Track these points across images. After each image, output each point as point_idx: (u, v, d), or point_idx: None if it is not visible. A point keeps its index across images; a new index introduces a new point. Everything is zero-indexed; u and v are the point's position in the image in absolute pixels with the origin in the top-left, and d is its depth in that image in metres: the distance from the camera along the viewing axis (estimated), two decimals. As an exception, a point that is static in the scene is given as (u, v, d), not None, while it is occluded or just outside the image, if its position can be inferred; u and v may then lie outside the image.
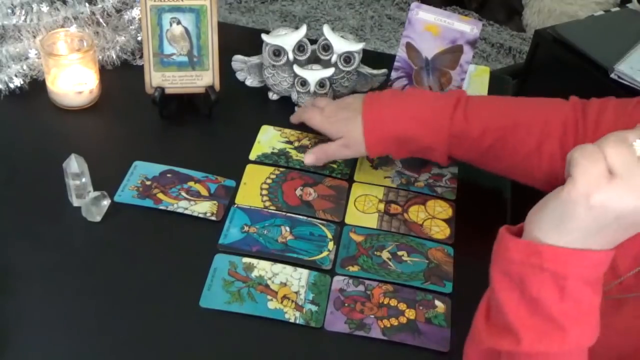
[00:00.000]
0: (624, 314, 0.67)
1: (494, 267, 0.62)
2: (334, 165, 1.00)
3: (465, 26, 1.01)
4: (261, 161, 0.99)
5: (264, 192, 0.95)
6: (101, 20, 1.13)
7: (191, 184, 0.95)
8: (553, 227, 0.57)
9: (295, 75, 1.05)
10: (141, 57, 1.12)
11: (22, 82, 1.06)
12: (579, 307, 0.59)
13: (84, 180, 0.88)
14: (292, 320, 0.80)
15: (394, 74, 1.07)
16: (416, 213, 0.95)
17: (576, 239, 0.56)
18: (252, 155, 1.00)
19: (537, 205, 0.59)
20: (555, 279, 0.57)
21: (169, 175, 0.96)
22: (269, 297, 0.82)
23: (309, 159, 0.97)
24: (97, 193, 0.88)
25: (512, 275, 0.60)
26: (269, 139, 1.03)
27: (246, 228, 0.90)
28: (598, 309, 0.60)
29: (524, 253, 0.59)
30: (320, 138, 1.01)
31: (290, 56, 1.04)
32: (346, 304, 0.82)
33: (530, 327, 0.59)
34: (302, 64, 1.05)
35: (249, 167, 0.98)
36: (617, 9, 1.99)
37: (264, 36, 1.04)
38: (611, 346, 0.65)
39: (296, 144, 1.03)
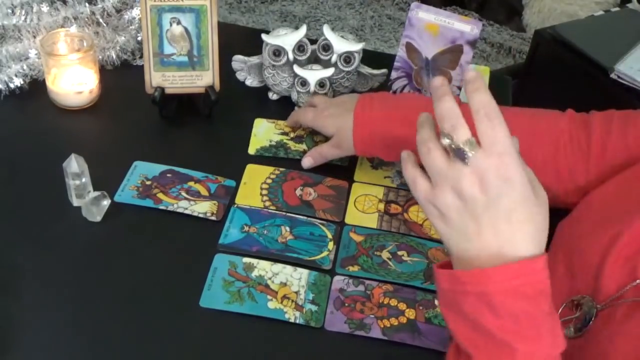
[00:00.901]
0: None
1: (439, 301, 0.64)
2: None
3: (465, 26, 1.01)
4: (261, 154, 1.01)
5: (264, 192, 0.95)
6: (101, 20, 1.13)
7: (191, 184, 0.95)
8: (446, 240, 0.61)
9: (295, 75, 1.05)
10: (141, 57, 1.12)
11: (22, 82, 1.06)
12: (519, 322, 0.58)
13: (84, 180, 0.88)
14: (292, 320, 0.80)
15: (394, 74, 1.07)
16: (416, 213, 0.95)
17: (471, 247, 0.59)
18: (251, 149, 1.01)
19: None
20: (480, 298, 0.58)
21: (169, 175, 0.96)
22: (269, 297, 0.82)
23: (306, 162, 0.98)
24: (97, 193, 0.88)
25: (450, 304, 0.61)
26: (264, 131, 1.04)
27: (246, 228, 0.90)
28: (548, 320, 0.59)
29: (448, 282, 0.61)
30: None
31: (290, 56, 1.04)
32: (346, 304, 0.82)
33: (482, 348, 0.60)
34: (302, 64, 1.05)
35: (249, 167, 0.98)
36: (617, 9, 1.99)
37: (264, 36, 1.04)
38: (628, 353, 0.64)
39: (292, 134, 1.04)
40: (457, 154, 0.56)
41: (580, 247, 0.75)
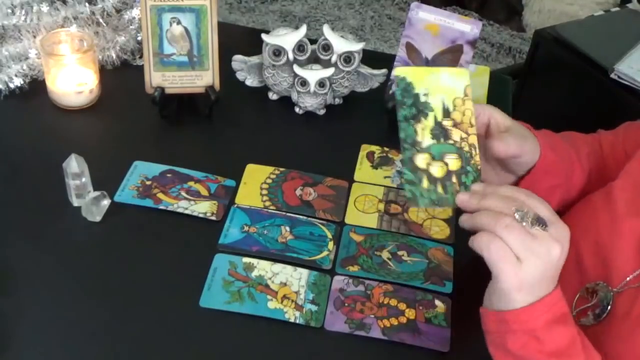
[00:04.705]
0: None
1: (488, 344, 0.70)
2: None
3: (465, 26, 1.01)
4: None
5: (264, 192, 0.95)
6: (101, 20, 1.13)
7: (191, 183, 0.95)
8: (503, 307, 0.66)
9: (295, 75, 1.05)
10: (141, 57, 1.12)
11: (22, 82, 1.06)
12: (561, 346, 0.65)
13: (84, 180, 0.88)
14: (292, 320, 0.80)
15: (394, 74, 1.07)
16: (416, 213, 0.95)
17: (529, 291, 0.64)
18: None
19: (487, 292, 0.68)
20: (527, 334, 0.65)
21: (169, 175, 0.96)
22: (268, 297, 0.82)
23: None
24: (97, 193, 0.88)
25: (498, 344, 0.68)
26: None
27: (246, 228, 0.90)
28: (576, 337, 0.66)
29: (495, 323, 0.67)
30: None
31: (290, 56, 1.04)
32: (346, 304, 0.82)
33: None
34: (302, 64, 1.05)
35: (249, 167, 0.98)
36: (617, 9, 1.99)
37: (264, 36, 1.04)
38: None
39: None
40: (539, 222, 0.64)
41: (587, 238, 0.77)
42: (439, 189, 0.69)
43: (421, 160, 0.68)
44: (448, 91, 0.70)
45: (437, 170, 0.69)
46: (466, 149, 0.70)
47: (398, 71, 0.70)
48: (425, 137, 0.69)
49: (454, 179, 0.69)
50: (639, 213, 0.73)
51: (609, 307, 0.71)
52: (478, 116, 0.75)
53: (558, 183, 0.83)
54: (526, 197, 0.65)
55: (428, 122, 0.69)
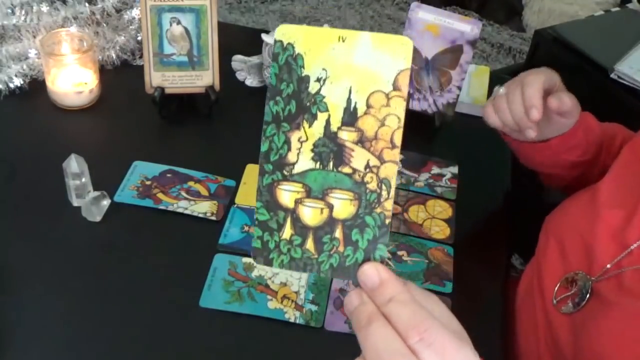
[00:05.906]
0: None
1: None
2: None
3: (465, 26, 1.01)
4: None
5: (264, 192, 0.95)
6: (101, 20, 1.13)
7: (191, 183, 0.95)
8: None
9: (295, 75, 1.05)
10: (141, 57, 1.12)
11: (22, 82, 1.06)
12: None
13: (83, 180, 0.88)
14: (292, 320, 0.80)
15: (393, 74, 1.07)
16: (416, 213, 0.95)
17: None
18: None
19: None
20: None
21: (169, 175, 0.96)
22: (268, 297, 0.82)
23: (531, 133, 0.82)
24: (97, 193, 0.88)
25: None
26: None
27: (246, 228, 0.90)
28: None
29: None
30: None
31: (290, 56, 1.04)
32: (346, 304, 0.82)
33: None
34: (302, 64, 1.05)
35: (249, 167, 0.98)
36: (617, 9, 1.99)
37: (264, 36, 1.04)
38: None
39: None
40: None
41: (570, 230, 0.80)
42: (308, 245, 0.44)
43: (287, 194, 0.44)
44: (364, 77, 0.42)
45: (310, 215, 0.44)
46: (372, 185, 0.43)
47: (281, 31, 0.44)
48: (301, 157, 0.44)
49: (338, 233, 0.44)
50: (617, 205, 0.76)
51: (588, 296, 0.73)
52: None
53: (581, 161, 0.89)
54: (431, 323, 0.43)
55: (313, 131, 0.43)
